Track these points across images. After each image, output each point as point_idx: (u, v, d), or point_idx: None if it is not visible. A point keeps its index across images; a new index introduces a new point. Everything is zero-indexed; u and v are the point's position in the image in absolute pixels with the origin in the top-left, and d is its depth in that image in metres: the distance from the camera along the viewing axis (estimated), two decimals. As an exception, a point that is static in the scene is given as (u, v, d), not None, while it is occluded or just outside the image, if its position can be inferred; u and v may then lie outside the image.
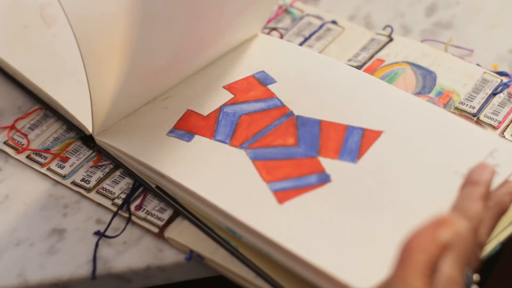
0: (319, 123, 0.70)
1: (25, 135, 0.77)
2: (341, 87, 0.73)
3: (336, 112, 0.71)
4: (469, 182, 0.61)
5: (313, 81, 0.74)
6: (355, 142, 0.69)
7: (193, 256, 0.68)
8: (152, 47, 0.68)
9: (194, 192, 0.66)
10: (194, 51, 0.74)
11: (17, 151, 0.76)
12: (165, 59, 0.71)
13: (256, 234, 0.64)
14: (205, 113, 0.73)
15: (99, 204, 0.72)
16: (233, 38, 0.78)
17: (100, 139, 0.72)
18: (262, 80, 0.75)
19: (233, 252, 0.66)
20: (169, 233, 0.69)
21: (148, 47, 0.68)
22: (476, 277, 0.58)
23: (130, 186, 0.72)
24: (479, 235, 0.59)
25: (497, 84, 0.78)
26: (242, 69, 0.76)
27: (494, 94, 0.78)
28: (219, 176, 0.68)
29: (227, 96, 0.74)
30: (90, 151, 0.75)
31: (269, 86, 0.74)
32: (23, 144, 0.76)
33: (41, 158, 0.75)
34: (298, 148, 0.69)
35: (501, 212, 0.62)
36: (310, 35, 0.84)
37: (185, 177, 0.68)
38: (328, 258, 0.61)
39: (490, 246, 0.65)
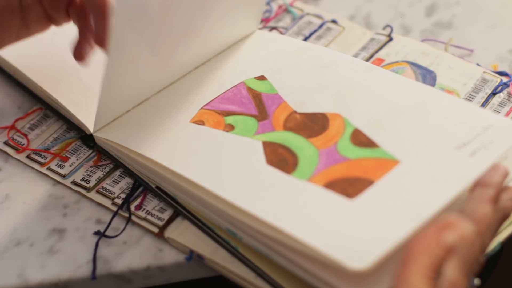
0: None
1: (25, 135, 0.77)
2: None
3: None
4: (480, 184, 0.61)
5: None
6: None
7: (193, 256, 0.68)
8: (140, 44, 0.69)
9: (193, 182, 0.67)
10: (186, 47, 0.75)
11: (17, 151, 0.76)
12: (157, 57, 0.72)
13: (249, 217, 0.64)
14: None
15: (99, 204, 0.72)
16: (226, 36, 0.78)
17: (98, 135, 0.72)
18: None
19: (233, 252, 0.66)
20: (169, 233, 0.69)
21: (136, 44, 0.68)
22: (477, 281, 0.58)
23: (130, 186, 0.72)
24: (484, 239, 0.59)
25: (497, 83, 0.78)
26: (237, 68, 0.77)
27: (494, 93, 0.78)
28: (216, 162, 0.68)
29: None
30: (90, 151, 0.75)
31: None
32: (23, 144, 0.76)
33: (41, 158, 0.75)
34: None
35: (504, 217, 0.62)
36: (310, 34, 0.84)
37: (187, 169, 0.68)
38: (320, 236, 0.61)
39: (490, 246, 0.65)
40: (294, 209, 0.63)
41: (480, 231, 0.58)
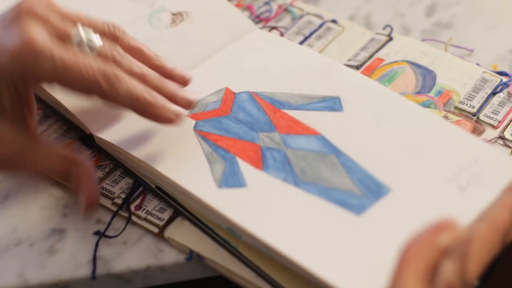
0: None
1: (25, 135, 0.77)
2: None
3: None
4: (507, 189, 0.59)
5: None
6: None
7: (193, 256, 0.68)
8: None
9: (190, 193, 0.67)
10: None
11: (17, 151, 0.76)
12: None
13: (251, 237, 0.64)
14: None
15: (99, 204, 0.72)
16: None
17: (98, 136, 0.72)
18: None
19: (233, 252, 0.66)
20: (169, 233, 0.69)
21: None
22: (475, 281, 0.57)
23: (130, 186, 0.72)
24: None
25: (497, 83, 0.78)
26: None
27: (493, 93, 0.78)
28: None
29: None
30: (90, 151, 0.75)
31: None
32: (23, 144, 0.76)
33: (41, 157, 0.75)
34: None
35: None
36: (310, 34, 0.84)
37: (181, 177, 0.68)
38: (321, 262, 0.61)
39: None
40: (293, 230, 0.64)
41: (497, 238, 0.56)
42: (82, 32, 0.67)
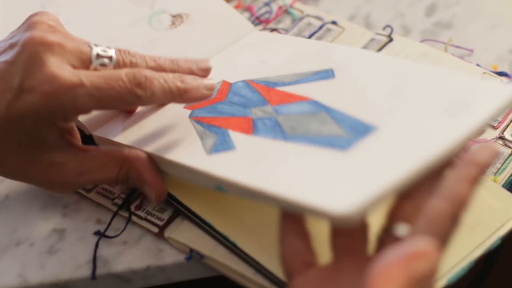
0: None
1: (25, 136, 0.77)
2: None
3: None
4: (465, 161, 0.57)
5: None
6: None
7: (193, 255, 0.68)
8: None
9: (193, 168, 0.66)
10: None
11: (17, 151, 0.76)
12: None
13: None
14: None
15: (99, 204, 0.72)
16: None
17: (97, 135, 0.72)
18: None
19: (232, 249, 0.66)
20: (169, 233, 0.69)
21: None
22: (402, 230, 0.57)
23: (130, 186, 0.72)
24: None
25: (497, 84, 0.78)
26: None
27: (494, 94, 0.78)
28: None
29: None
30: (90, 152, 0.75)
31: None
32: (23, 144, 0.76)
33: (41, 158, 0.75)
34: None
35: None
36: (310, 36, 0.84)
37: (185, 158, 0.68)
38: (309, 193, 0.59)
39: (490, 241, 0.65)
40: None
41: (457, 214, 0.55)
42: (94, 45, 0.67)
